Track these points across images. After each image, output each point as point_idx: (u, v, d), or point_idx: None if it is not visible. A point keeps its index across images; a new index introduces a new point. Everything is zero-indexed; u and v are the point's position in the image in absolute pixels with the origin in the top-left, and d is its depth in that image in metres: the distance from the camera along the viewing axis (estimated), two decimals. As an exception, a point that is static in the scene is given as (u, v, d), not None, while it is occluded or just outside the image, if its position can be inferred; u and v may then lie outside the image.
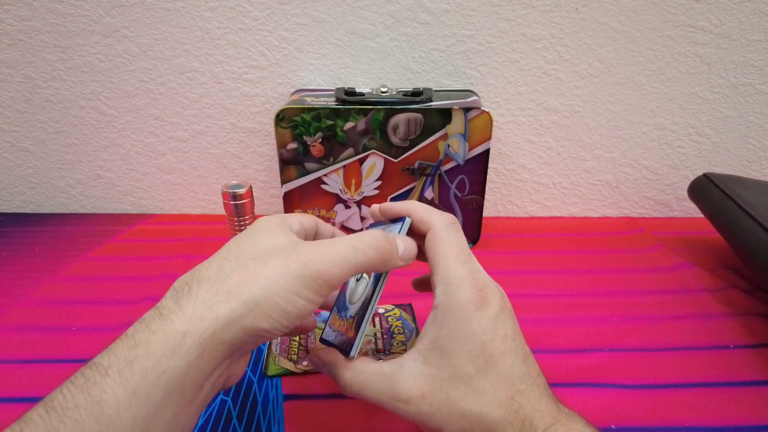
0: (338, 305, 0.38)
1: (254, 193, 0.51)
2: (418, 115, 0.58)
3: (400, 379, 0.31)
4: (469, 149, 0.60)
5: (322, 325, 0.37)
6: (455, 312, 0.31)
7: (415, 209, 0.36)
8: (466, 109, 0.58)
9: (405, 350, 0.46)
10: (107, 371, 0.25)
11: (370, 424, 0.40)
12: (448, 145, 0.59)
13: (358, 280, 0.38)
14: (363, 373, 0.32)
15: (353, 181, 0.62)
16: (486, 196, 0.65)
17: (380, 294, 0.35)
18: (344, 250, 0.30)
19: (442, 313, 0.31)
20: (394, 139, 0.59)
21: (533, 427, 0.29)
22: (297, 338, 0.47)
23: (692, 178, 0.63)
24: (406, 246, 0.34)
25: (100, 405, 0.23)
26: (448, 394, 0.30)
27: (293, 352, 0.45)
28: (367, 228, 0.39)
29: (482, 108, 0.58)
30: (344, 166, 0.61)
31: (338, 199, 0.63)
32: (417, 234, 0.36)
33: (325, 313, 0.41)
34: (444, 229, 0.34)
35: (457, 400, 0.30)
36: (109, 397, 0.23)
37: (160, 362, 0.25)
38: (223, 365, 0.28)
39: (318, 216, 0.64)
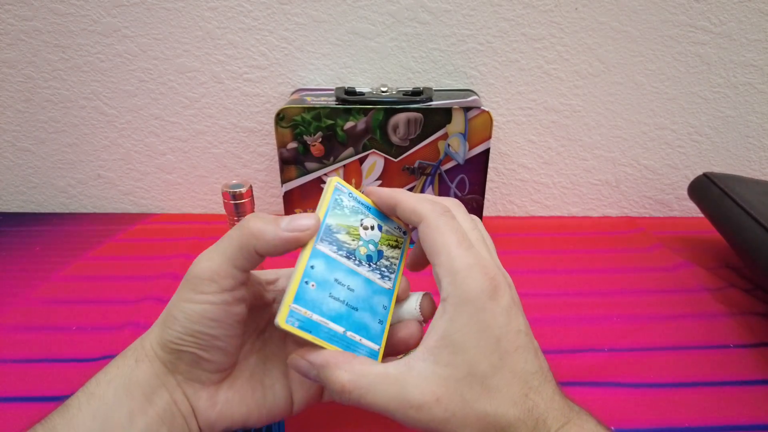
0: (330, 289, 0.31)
1: (254, 193, 0.51)
2: (418, 115, 0.58)
3: (410, 382, 0.28)
4: (469, 149, 0.60)
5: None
6: (467, 304, 0.28)
7: (403, 200, 0.32)
8: (466, 109, 0.58)
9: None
10: (80, 390, 0.30)
11: (370, 424, 0.40)
12: (448, 145, 0.60)
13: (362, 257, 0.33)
14: (365, 376, 0.28)
15: (353, 181, 0.62)
16: (486, 196, 0.65)
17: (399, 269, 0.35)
18: (218, 244, 0.31)
19: (452, 305, 0.29)
20: (394, 139, 0.59)
21: (546, 427, 0.28)
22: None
23: (692, 178, 0.63)
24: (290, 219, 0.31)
25: (66, 407, 0.29)
26: (463, 396, 0.27)
27: None
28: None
29: (482, 107, 0.58)
30: (344, 166, 0.61)
31: (338, 199, 0.63)
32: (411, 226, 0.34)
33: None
34: (438, 218, 0.30)
35: (472, 401, 0.27)
36: (72, 401, 0.29)
37: (108, 371, 0.30)
38: (168, 382, 0.30)
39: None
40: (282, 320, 0.28)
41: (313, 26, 0.63)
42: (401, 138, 0.59)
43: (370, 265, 0.33)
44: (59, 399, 0.41)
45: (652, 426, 0.39)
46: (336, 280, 0.31)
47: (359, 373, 0.29)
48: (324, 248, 0.31)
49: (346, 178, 0.62)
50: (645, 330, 0.50)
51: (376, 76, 0.66)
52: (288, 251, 0.30)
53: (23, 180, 0.73)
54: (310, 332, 0.29)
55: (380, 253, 0.34)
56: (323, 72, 0.65)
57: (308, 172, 0.62)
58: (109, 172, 0.72)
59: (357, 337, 0.31)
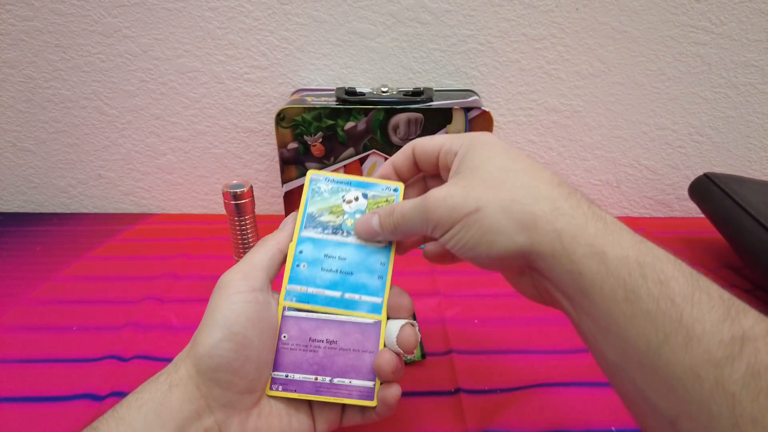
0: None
1: (255, 193, 0.51)
2: (419, 115, 0.58)
3: (431, 199, 0.31)
4: (470, 149, 0.60)
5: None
6: (477, 147, 0.32)
7: (418, 144, 0.36)
8: (467, 109, 0.58)
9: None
10: (109, 412, 0.30)
11: (370, 423, 0.40)
12: (449, 145, 0.59)
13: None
14: (396, 209, 0.34)
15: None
16: (486, 196, 0.65)
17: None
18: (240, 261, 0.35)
19: (462, 152, 0.33)
20: (395, 139, 0.59)
21: (586, 202, 0.29)
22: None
23: (693, 178, 0.63)
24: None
25: (95, 430, 0.29)
26: (486, 190, 0.30)
27: None
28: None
29: (483, 108, 0.58)
30: (345, 166, 0.61)
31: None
32: (434, 173, 0.37)
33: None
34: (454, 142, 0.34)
35: (495, 188, 0.30)
36: (101, 424, 0.29)
37: (140, 396, 0.30)
38: (201, 408, 0.30)
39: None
40: (281, 299, 0.34)
41: (314, 26, 0.63)
42: (402, 138, 0.59)
43: None
44: (59, 399, 0.42)
45: (653, 426, 0.39)
46: (326, 255, 0.35)
47: (392, 210, 0.34)
48: (309, 233, 0.36)
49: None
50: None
51: (377, 77, 0.66)
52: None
53: (24, 180, 0.73)
54: (308, 303, 0.34)
55: None
56: (324, 72, 0.65)
57: (309, 172, 0.62)
58: (110, 172, 0.72)
59: (356, 296, 0.35)
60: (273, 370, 0.34)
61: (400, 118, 0.58)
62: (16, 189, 0.74)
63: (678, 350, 0.23)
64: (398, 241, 0.36)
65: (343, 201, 0.37)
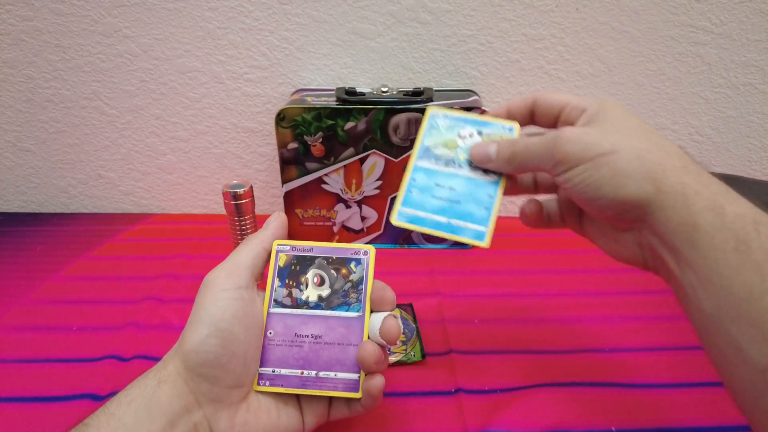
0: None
1: (255, 193, 0.51)
2: (419, 115, 0.58)
3: (565, 132, 0.32)
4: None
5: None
6: (610, 107, 0.34)
7: (541, 95, 0.37)
8: (467, 109, 0.58)
9: (405, 350, 0.46)
10: (100, 409, 0.31)
11: (370, 423, 0.40)
12: (449, 145, 0.59)
13: None
14: (519, 141, 0.35)
15: (354, 181, 0.62)
16: (486, 196, 0.65)
17: None
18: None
19: (594, 110, 0.34)
20: (395, 139, 0.59)
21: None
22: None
23: (693, 178, 0.63)
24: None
25: (85, 426, 0.29)
26: (623, 137, 0.31)
27: None
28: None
29: (483, 108, 0.58)
30: (345, 166, 0.61)
31: (339, 199, 0.63)
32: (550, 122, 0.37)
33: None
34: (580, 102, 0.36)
35: (638, 139, 0.31)
36: (92, 420, 0.29)
37: (130, 393, 0.31)
38: (190, 403, 0.31)
39: (319, 215, 0.64)
40: (393, 219, 0.37)
41: (314, 26, 0.63)
42: (402, 138, 0.59)
43: (471, 166, 0.38)
44: (59, 399, 0.42)
45: (652, 426, 0.39)
46: (437, 184, 0.38)
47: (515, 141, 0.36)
48: (423, 163, 0.38)
49: (346, 178, 0.62)
50: (645, 330, 0.50)
51: (377, 77, 0.66)
52: None
53: (24, 180, 0.73)
54: (417, 224, 0.37)
55: None
56: (324, 72, 0.65)
57: (309, 172, 0.62)
58: (110, 172, 0.72)
59: (462, 223, 0.36)
60: (260, 366, 0.35)
61: (400, 118, 0.58)
62: (16, 189, 0.74)
63: None
64: (508, 177, 0.38)
65: (458, 136, 0.39)
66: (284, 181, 0.62)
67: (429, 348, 0.47)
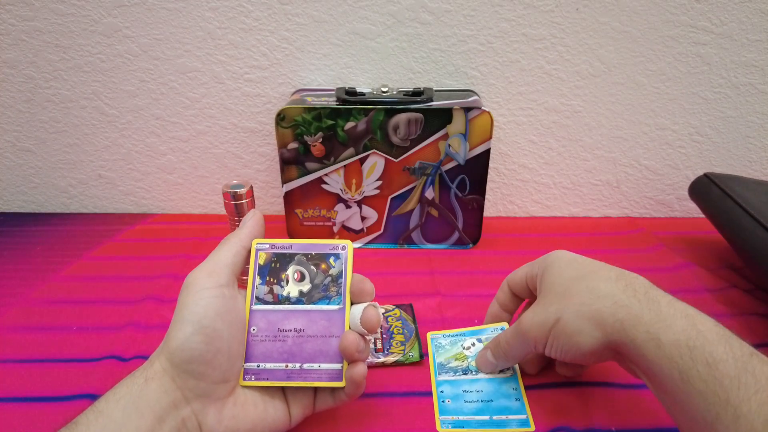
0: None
1: (255, 193, 0.51)
2: (419, 115, 0.58)
3: (523, 321, 0.38)
4: (470, 149, 0.60)
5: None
6: (550, 266, 0.39)
7: (509, 279, 0.44)
8: (467, 109, 0.58)
9: (404, 350, 0.46)
10: (89, 408, 0.31)
11: (370, 423, 0.40)
12: (449, 145, 0.59)
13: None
14: (501, 339, 0.41)
15: (354, 181, 0.62)
16: (487, 196, 0.65)
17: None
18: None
19: (540, 274, 0.40)
20: (395, 139, 0.59)
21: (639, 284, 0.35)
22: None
23: (693, 178, 0.63)
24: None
25: (75, 424, 0.29)
26: (560, 302, 0.36)
27: None
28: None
29: (483, 108, 0.58)
30: (345, 166, 0.61)
31: (339, 199, 0.63)
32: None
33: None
34: None
35: (570, 297, 0.36)
36: (81, 418, 0.30)
37: (117, 391, 0.31)
38: (177, 399, 0.32)
39: (319, 215, 0.64)
40: (439, 428, 0.39)
41: (314, 26, 0.63)
42: (402, 138, 0.59)
43: None
44: (59, 399, 0.42)
45: (653, 426, 0.39)
46: (464, 390, 0.42)
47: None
48: (443, 377, 0.43)
49: (346, 178, 0.62)
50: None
51: (377, 77, 0.66)
52: None
53: (24, 180, 0.73)
54: (464, 427, 0.39)
55: None
56: (324, 72, 0.65)
57: (309, 172, 0.62)
58: (110, 172, 0.72)
59: (504, 417, 0.40)
60: (245, 362, 0.36)
61: (400, 118, 0.58)
62: (16, 189, 0.74)
63: (729, 427, 0.26)
64: (521, 364, 0.43)
65: (463, 348, 0.46)
66: (284, 181, 0.62)
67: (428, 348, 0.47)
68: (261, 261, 0.38)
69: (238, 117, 0.68)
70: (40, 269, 0.60)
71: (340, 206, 0.64)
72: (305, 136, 0.59)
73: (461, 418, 0.40)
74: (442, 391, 0.42)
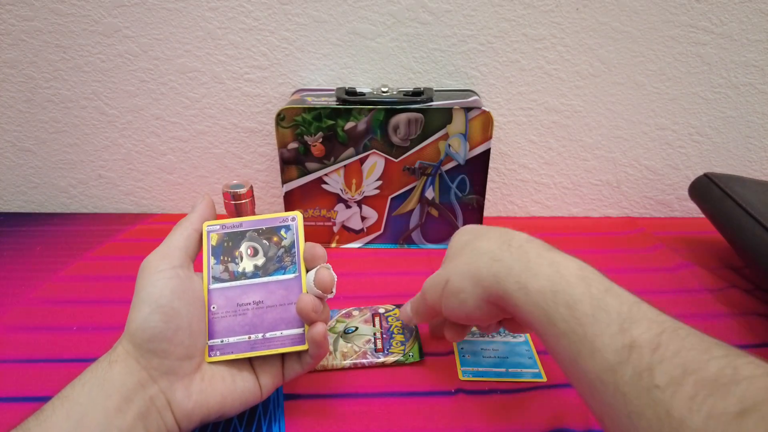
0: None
1: (255, 193, 0.51)
2: (419, 115, 0.58)
3: (424, 285, 0.41)
4: (470, 149, 0.60)
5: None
6: (454, 237, 0.42)
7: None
8: (467, 109, 0.58)
9: (404, 350, 0.46)
10: (55, 396, 0.32)
11: (370, 423, 0.40)
12: (449, 145, 0.59)
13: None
14: (413, 300, 0.45)
15: (354, 181, 0.62)
16: (487, 196, 0.65)
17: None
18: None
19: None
20: (395, 139, 0.59)
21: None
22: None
23: (693, 178, 0.63)
24: None
25: (41, 411, 0.30)
26: (449, 264, 0.39)
27: None
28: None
29: (483, 108, 0.58)
30: (345, 166, 0.61)
31: (339, 199, 0.63)
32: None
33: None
34: None
35: (459, 258, 0.38)
36: (47, 405, 0.31)
37: (83, 376, 0.32)
38: (143, 378, 0.32)
39: (319, 215, 0.64)
40: (460, 377, 0.44)
41: (314, 26, 0.63)
42: (402, 138, 0.59)
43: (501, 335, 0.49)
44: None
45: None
46: (482, 349, 0.47)
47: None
48: (461, 344, 0.48)
49: (346, 178, 0.62)
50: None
51: (377, 77, 0.66)
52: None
53: (24, 180, 0.73)
54: (483, 377, 0.44)
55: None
56: (324, 72, 0.65)
57: (309, 172, 0.62)
58: (110, 172, 0.72)
59: (519, 370, 0.45)
60: (208, 339, 0.37)
61: (400, 118, 0.58)
62: (16, 189, 0.74)
63: (588, 361, 0.28)
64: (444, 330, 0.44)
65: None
66: (284, 181, 0.62)
67: (429, 348, 0.47)
68: (213, 242, 0.39)
69: (238, 117, 0.68)
70: (40, 269, 0.60)
71: (340, 206, 0.64)
72: (305, 136, 0.59)
73: (480, 369, 0.44)
74: (462, 348, 0.47)
